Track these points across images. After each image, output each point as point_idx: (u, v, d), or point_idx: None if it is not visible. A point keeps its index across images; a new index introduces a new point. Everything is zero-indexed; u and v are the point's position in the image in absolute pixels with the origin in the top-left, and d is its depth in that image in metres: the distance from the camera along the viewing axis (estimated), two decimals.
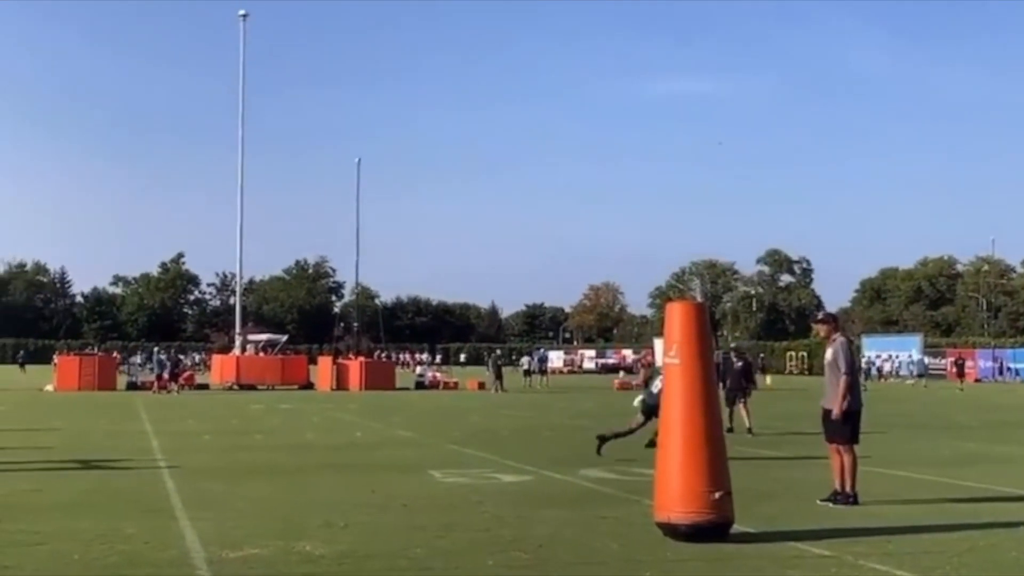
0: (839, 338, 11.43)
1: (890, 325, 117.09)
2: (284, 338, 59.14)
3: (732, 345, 26.13)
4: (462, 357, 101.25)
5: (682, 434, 8.89)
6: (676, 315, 9.27)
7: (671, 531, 8.79)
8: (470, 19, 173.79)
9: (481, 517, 10.11)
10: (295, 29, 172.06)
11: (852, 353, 11.44)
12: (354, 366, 47.52)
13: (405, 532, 9.24)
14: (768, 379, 54.63)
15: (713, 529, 8.70)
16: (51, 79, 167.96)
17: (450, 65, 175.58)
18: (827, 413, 11.20)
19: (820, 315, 12.00)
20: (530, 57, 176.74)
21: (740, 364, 22.47)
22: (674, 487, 8.83)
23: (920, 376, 62.01)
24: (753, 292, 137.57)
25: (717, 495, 8.70)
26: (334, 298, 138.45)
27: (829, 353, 11.30)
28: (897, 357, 74.41)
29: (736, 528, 8.93)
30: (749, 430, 20.27)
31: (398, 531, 9.29)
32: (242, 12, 53.40)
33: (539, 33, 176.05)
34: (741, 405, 21.27)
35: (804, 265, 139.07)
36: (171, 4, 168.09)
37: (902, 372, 71.83)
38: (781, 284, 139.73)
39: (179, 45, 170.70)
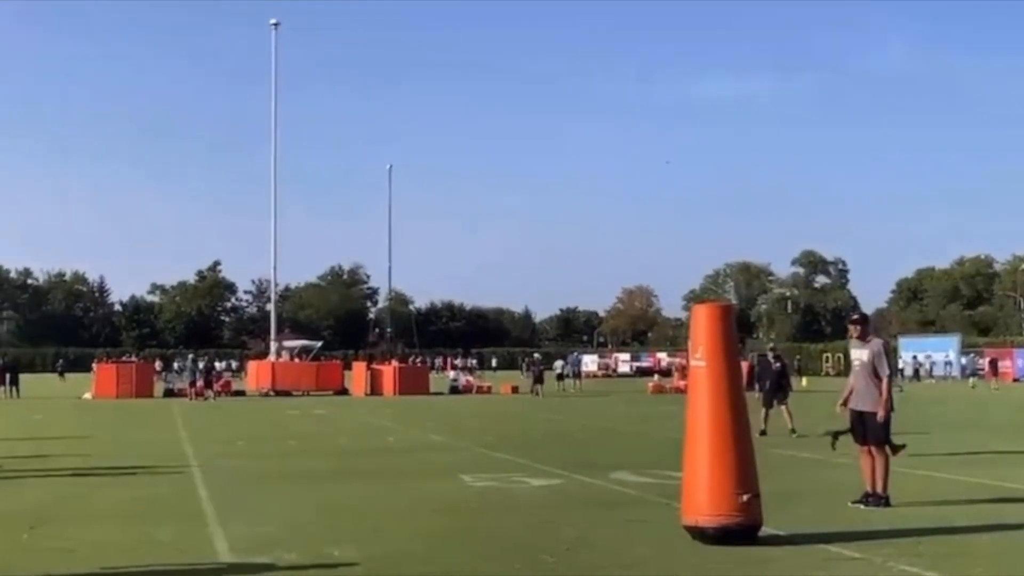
0: (875, 339, 11.36)
1: (927, 325, 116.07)
2: (319, 344, 59.38)
3: (769, 346, 25.75)
4: (493, 362, 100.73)
5: (709, 436, 8.88)
6: (702, 317, 9.27)
7: (699, 534, 8.77)
8: (502, 25, 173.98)
9: (509, 521, 10.15)
10: (327, 36, 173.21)
11: (890, 355, 11.40)
12: (388, 371, 47.65)
13: (434, 537, 9.28)
14: (804, 381, 54.30)
15: (741, 532, 8.68)
16: (87, 92, 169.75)
17: (482, 70, 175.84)
18: (860, 415, 11.15)
19: (855, 315, 11.94)
20: (561, 59, 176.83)
21: (778, 365, 22.24)
22: (701, 490, 8.82)
23: (973, 375, 61.31)
24: (788, 294, 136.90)
25: (745, 497, 8.68)
26: (369, 304, 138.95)
27: (865, 354, 11.21)
28: (930, 358, 73.67)
29: (765, 530, 8.90)
30: (792, 431, 20.21)
31: (427, 536, 9.33)
32: (273, 21, 53.77)
33: (569, 37, 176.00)
34: (783, 407, 21.14)
35: (840, 266, 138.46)
36: (204, 15, 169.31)
37: (936, 372, 71.14)
38: (816, 286, 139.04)
39: (212, 54, 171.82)
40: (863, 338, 11.34)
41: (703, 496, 8.79)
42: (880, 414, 10.92)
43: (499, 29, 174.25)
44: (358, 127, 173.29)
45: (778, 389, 21.53)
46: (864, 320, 11.69)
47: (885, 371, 11.01)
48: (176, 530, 9.73)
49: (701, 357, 9.13)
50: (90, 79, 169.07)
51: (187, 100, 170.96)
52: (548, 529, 9.64)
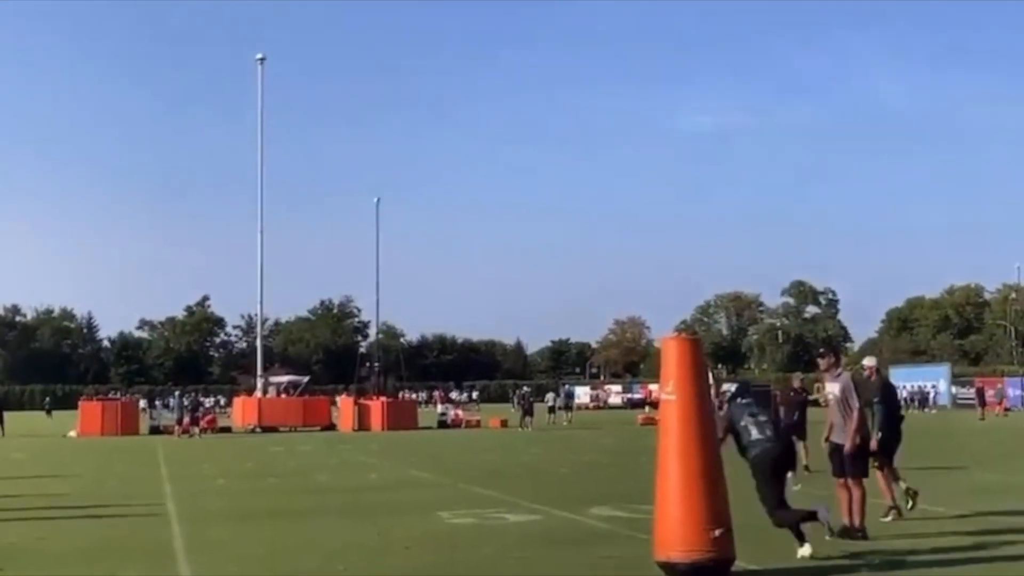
0: (843, 373, 11.35)
1: (918, 355, 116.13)
2: (306, 379, 59.11)
3: (798, 376, 23.57)
4: (474, 395, 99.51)
5: (679, 471, 8.79)
6: (671, 351, 9.19)
7: (671, 570, 8.66)
8: (488, 57, 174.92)
9: (482, 558, 10.03)
10: (313, 70, 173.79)
11: (857, 386, 11.37)
12: (376, 406, 47.37)
13: (401, 573, 9.15)
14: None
15: (713, 567, 8.57)
16: (73, 128, 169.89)
17: (468, 103, 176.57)
18: (836, 448, 11.13)
19: (821, 349, 11.95)
20: (547, 90, 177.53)
21: (803, 397, 20.03)
22: (672, 525, 8.71)
23: (982, 406, 59.70)
24: (779, 324, 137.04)
25: (717, 532, 8.58)
26: (359, 338, 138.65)
27: (836, 388, 11.19)
28: (935, 387, 73.36)
29: (738, 565, 8.80)
30: (806, 467, 18.69)
31: (394, 572, 9.21)
32: (259, 56, 53.96)
33: (552, 67, 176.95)
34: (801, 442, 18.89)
35: (830, 296, 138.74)
36: (190, 48, 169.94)
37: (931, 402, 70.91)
38: (807, 316, 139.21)
39: (199, 88, 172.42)
40: (831, 371, 11.34)
41: (674, 531, 8.69)
42: (847, 446, 10.89)
43: (480, 60, 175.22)
44: (345, 160, 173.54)
45: (803, 423, 19.41)
46: (831, 352, 11.69)
47: (855, 403, 10.99)
48: (142, 570, 9.62)
49: (671, 391, 9.05)
50: (75, 114, 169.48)
51: (174, 135, 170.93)
52: (520, 565, 9.53)
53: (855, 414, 11.03)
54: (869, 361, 14.45)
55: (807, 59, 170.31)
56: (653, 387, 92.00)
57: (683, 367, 9.05)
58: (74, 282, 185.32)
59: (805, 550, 9.56)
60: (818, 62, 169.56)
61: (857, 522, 10.80)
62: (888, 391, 13.58)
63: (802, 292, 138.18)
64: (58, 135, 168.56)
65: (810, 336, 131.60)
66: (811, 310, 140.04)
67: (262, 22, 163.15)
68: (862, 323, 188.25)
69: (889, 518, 11.99)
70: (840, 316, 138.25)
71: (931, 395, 70.09)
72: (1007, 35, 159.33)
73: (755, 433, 9.76)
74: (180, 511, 14.47)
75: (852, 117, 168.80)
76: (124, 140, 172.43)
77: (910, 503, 12.74)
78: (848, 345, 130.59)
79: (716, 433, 9.32)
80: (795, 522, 9.71)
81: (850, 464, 11.00)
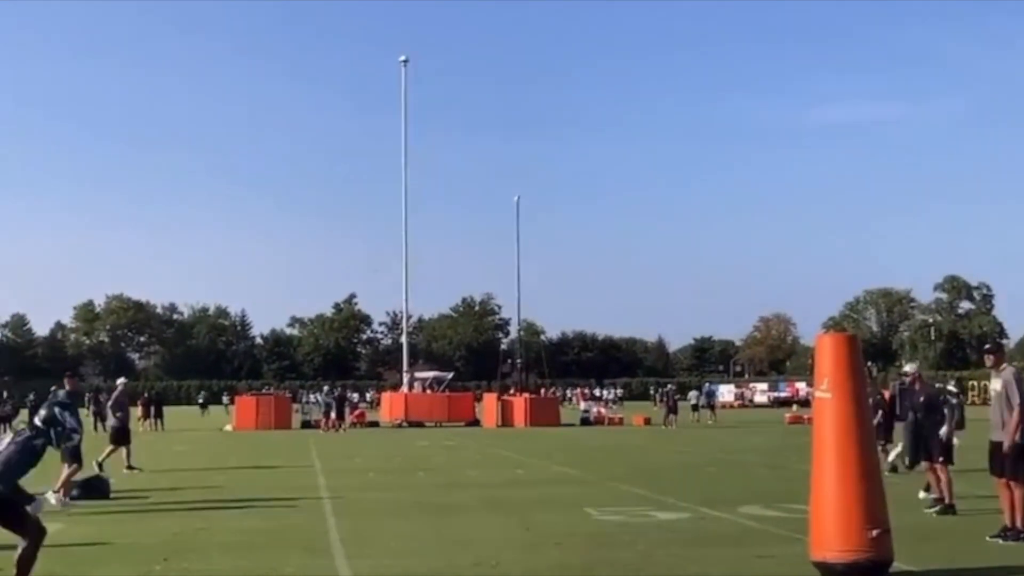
0: (1007, 368, 10.97)
1: None
2: (450, 375, 59.91)
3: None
4: (615, 392, 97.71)
5: (836, 470, 8.62)
6: (827, 348, 9.03)
7: (827, 570, 8.51)
8: (622, 55, 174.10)
9: (632, 556, 10.00)
10: (456, 72, 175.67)
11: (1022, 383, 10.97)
12: (519, 402, 47.69)
13: (554, 571, 9.21)
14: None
15: (871, 568, 8.40)
16: (230, 129, 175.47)
17: (606, 99, 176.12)
18: (997, 446, 10.76)
19: (988, 345, 11.61)
20: (687, 84, 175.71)
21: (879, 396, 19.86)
22: (829, 525, 8.56)
23: None
24: (931, 320, 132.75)
25: (875, 532, 8.40)
26: (500, 335, 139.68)
27: (999, 384, 10.86)
28: None
29: (897, 566, 8.60)
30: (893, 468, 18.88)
31: (546, 569, 9.27)
32: (403, 58, 54.92)
33: (693, 63, 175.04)
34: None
35: (984, 291, 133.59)
36: (337, 47, 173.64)
37: None
38: (960, 311, 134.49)
39: (348, 87, 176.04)
40: (997, 367, 10.99)
41: (831, 531, 8.54)
42: (1006, 444, 10.51)
43: (616, 61, 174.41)
44: (488, 159, 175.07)
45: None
46: (997, 349, 11.34)
47: (1016, 400, 10.59)
48: (302, 562, 9.88)
49: (827, 388, 8.89)
50: (231, 117, 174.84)
51: (323, 134, 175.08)
52: (671, 564, 9.47)
53: (1016, 411, 10.64)
54: (911, 367, 14.54)
55: (965, 47, 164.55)
56: (800, 385, 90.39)
57: (839, 365, 8.89)
58: (228, 281, 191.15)
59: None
60: (976, 50, 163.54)
61: (1020, 522, 10.43)
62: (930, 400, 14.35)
63: (955, 287, 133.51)
64: (214, 139, 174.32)
65: (964, 333, 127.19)
66: (965, 305, 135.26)
67: (408, 23, 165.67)
68: (1019, 319, 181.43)
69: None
70: (995, 312, 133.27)
71: None
72: None
73: None
74: (335, 504, 14.82)
75: (1008, 106, 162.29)
76: (277, 142, 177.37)
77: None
78: (1004, 342, 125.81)
79: (872, 431, 9.12)
80: None
81: (1008, 463, 10.62)
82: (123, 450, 21.42)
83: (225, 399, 70.50)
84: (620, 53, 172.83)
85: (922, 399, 14.46)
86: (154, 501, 15.70)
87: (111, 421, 22.13)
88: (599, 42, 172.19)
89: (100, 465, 19.46)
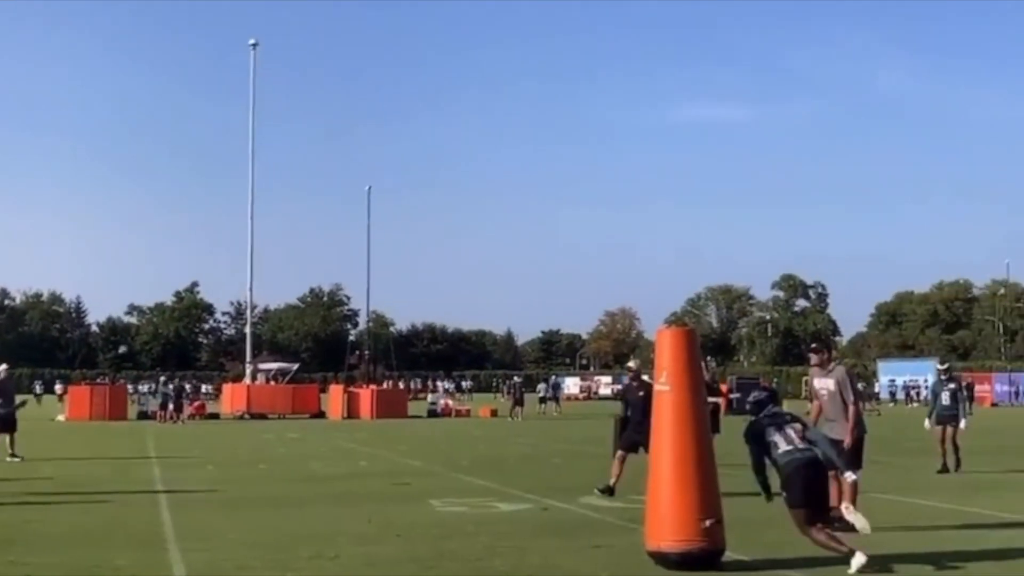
0: (838, 367, 11.38)
1: (906, 349, 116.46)
2: (295, 367, 59.02)
3: (945, 366, 20.25)
4: (464, 384, 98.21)
5: (671, 461, 8.82)
6: (665, 341, 9.22)
7: (662, 560, 8.70)
8: (481, 49, 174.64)
9: (474, 547, 10.03)
10: (307, 57, 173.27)
11: (854, 380, 11.45)
12: (365, 394, 47.37)
13: (395, 563, 9.17)
14: (784, 405, 54.23)
15: (704, 557, 8.62)
16: (64, 108, 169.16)
17: (463, 93, 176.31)
18: (834, 443, 11.14)
19: (814, 344, 12.00)
20: (544, 84, 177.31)
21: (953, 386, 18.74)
22: (664, 515, 8.75)
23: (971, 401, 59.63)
24: (768, 317, 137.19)
25: (708, 523, 8.62)
26: (349, 326, 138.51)
27: (830, 383, 11.23)
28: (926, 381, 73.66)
29: (729, 556, 8.84)
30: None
31: (388, 562, 9.23)
32: (252, 41, 53.76)
33: (554, 62, 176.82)
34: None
35: (819, 290, 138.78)
36: (181, 32, 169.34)
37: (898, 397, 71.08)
38: (796, 309, 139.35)
39: (193, 73, 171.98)
40: (824, 366, 11.36)
41: (666, 521, 8.73)
42: (847, 441, 10.92)
43: (471, 49, 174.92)
44: (337, 148, 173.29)
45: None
46: (824, 348, 11.73)
47: (850, 398, 11.02)
48: (135, 555, 9.60)
49: (665, 382, 9.07)
50: (66, 96, 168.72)
51: (168, 119, 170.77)
52: (512, 554, 9.54)
53: (851, 408, 11.06)
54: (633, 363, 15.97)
55: (809, 54, 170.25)
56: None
57: (678, 358, 9.08)
58: (63, 266, 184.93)
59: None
60: (821, 56, 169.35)
61: (841, 507, 10.82)
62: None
63: (792, 285, 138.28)
64: (47, 117, 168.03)
65: (799, 330, 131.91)
66: (801, 303, 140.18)
67: (258, 9, 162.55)
68: (851, 317, 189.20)
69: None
70: (829, 310, 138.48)
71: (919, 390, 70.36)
72: (1003, 26, 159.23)
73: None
74: (170, 498, 14.44)
75: (844, 107, 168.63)
76: (115, 123, 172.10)
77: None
78: (837, 339, 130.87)
79: (708, 424, 9.35)
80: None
81: (846, 458, 11.01)
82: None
83: (58, 388, 67.83)
84: (473, 43, 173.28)
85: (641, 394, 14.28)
86: None
87: None
88: (452, 30, 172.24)
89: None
